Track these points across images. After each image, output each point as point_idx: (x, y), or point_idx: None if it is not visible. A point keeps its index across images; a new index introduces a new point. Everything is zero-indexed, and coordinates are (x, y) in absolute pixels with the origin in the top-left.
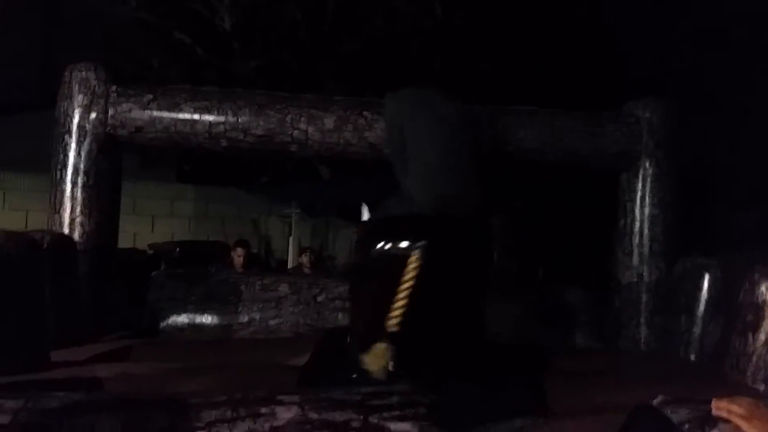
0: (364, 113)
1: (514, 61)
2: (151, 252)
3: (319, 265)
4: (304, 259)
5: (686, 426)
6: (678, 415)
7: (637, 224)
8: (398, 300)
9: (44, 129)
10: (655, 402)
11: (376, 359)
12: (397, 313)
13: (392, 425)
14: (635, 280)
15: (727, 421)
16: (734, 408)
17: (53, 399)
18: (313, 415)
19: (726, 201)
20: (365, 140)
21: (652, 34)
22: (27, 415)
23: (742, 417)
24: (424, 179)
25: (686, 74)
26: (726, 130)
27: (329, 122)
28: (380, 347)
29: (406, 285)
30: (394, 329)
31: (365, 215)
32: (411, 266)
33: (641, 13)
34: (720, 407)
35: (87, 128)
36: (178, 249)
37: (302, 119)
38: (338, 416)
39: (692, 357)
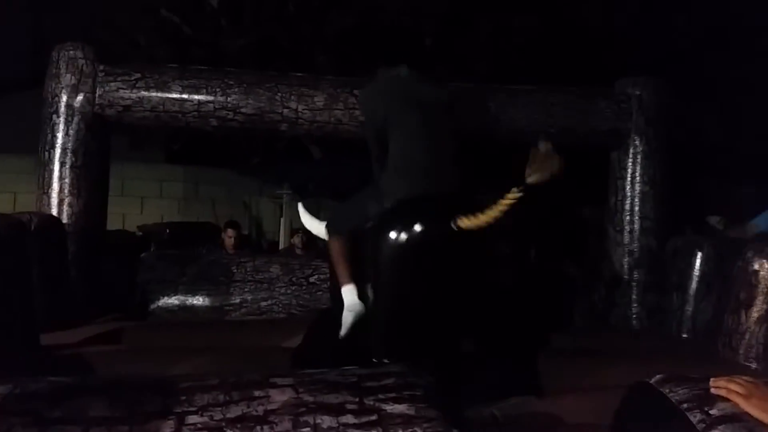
0: (355, 92)
1: (509, 39)
2: (140, 233)
3: (311, 246)
4: (296, 240)
5: (685, 404)
6: (676, 393)
7: (628, 202)
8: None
9: (32, 109)
10: (653, 380)
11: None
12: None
13: (388, 407)
14: (627, 257)
15: (726, 399)
16: (733, 386)
17: (42, 382)
18: (308, 398)
19: (721, 175)
20: (356, 119)
21: (649, 8)
22: (15, 399)
23: (742, 395)
24: (409, 174)
25: (683, 49)
26: (723, 104)
27: (319, 101)
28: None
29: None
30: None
31: (304, 214)
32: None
33: None
34: (719, 386)
35: (75, 108)
36: (167, 230)
37: (292, 98)
38: (333, 398)
39: (685, 335)
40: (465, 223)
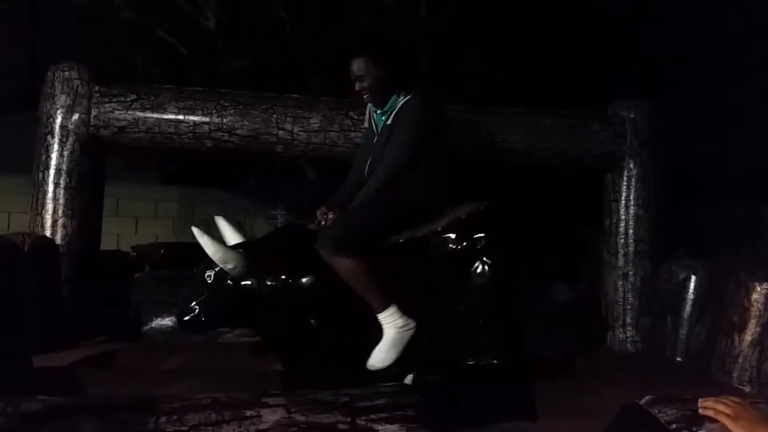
0: (350, 113)
1: (500, 60)
2: (135, 254)
3: None
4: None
5: (674, 425)
6: (666, 414)
7: (622, 224)
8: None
9: (27, 129)
10: (642, 401)
11: None
12: None
13: (380, 427)
14: (621, 280)
15: (714, 420)
16: (721, 407)
17: (34, 402)
18: (300, 418)
19: (713, 197)
20: (351, 140)
21: (640, 31)
22: (7, 419)
23: (729, 416)
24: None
25: (673, 72)
26: (712, 127)
27: (315, 122)
28: None
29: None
30: None
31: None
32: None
33: (629, 10)
34: (707, 407)
35: (70, 128)
36: (162, 251)
37: (288, 119)
38: (325, 418)
39: (678, 358)
40: None
